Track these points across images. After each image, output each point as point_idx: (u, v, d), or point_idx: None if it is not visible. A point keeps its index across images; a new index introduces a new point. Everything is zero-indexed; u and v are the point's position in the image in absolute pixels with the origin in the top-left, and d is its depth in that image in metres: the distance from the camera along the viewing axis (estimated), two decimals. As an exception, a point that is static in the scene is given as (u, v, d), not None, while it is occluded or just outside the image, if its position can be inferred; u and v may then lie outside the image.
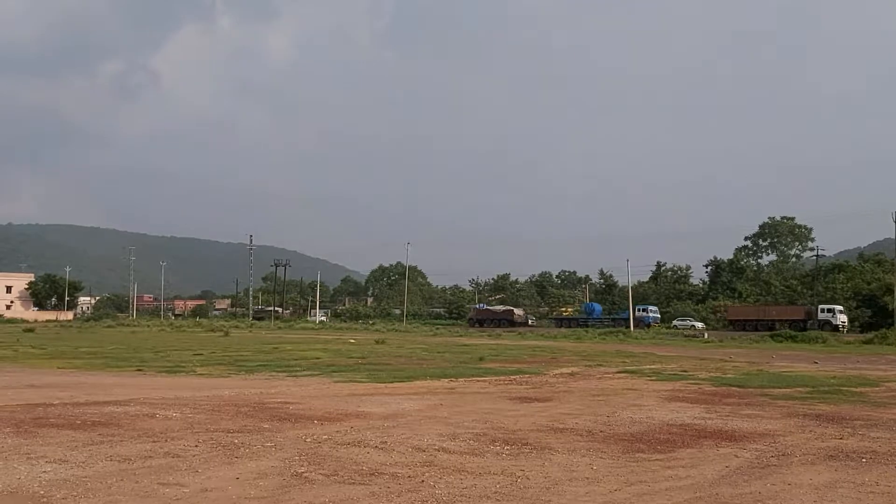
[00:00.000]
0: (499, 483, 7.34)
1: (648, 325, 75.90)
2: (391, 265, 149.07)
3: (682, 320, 79.35)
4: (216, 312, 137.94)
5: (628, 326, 72.56)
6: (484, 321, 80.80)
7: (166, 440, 9.34)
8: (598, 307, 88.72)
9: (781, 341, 51.60)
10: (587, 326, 74.98)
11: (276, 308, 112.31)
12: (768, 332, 59.67)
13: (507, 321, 79.24)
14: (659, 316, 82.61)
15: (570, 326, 77.56)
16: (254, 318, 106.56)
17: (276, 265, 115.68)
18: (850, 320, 79.72)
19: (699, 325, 75.93)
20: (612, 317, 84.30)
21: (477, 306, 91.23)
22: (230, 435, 9.79)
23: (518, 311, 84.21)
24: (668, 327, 75.63)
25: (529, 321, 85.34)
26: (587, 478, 7.69)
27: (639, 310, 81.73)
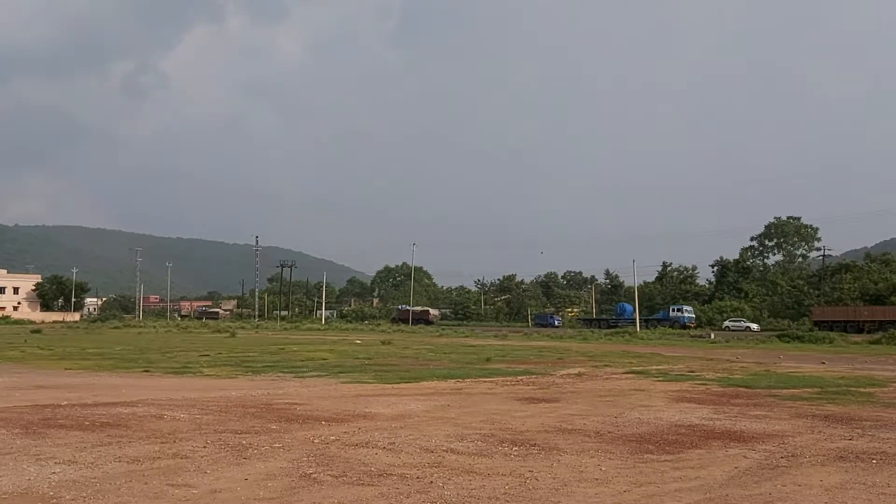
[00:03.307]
0: (508, 484, 7.32)
1: (684, 326, 73.58)
2: (397, 266, 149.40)
3: (734, 321, 76.24)
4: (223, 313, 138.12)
5: (664, 327, 71.75)
6: (405, 320, 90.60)
7: (174, 441, 9.35)
8: (629, 307, 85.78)
9: (788, 341, 51.34)
10: (618, 327, 73.02)
11: (282, 310, 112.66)
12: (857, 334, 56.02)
13: (423, 320, 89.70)
14: (694, 316, 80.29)
15: (600, 327, 76.05)
16: (198, 317, 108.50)
17: (283, 266, 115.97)
18: (858, 320, 79.25)
19: (754, 326, 72.82)
20: (643, 317, 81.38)
21: (399, 307, 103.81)
22: (238, 436, 9.80)
23: (433, 311, 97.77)
24: (721, 329, 72.56)
25: (556, 322, 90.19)
26: (596, 479, 7.66)
27: (673, 310, 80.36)
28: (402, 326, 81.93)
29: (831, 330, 62.77)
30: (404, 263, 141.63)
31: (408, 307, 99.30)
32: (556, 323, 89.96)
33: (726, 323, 76.61)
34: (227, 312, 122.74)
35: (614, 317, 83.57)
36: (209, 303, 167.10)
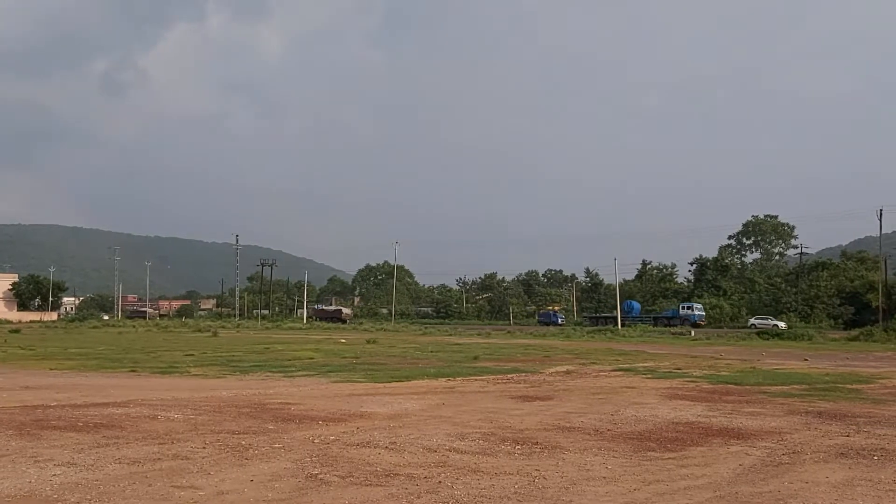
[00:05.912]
0: (517, 483, 7.28)
1: (694, 324, 72.37)
2: (378, 265, 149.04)
3: (760, 319, 74.14)
4: (201, 313, 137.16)
5: (674, 325, 71.32)
6: (320, 318, 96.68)
7: (172, 442, 9.21)
8: (636, 305, 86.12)
9: (768, 339, 52.08)
10: (625, 326, 71.48)
11: (263, 309, 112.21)
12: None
13: (337, 318, 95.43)
14: (704, 314, 78.88)
15: (606, 324, 75.26)
16: (129, 316, 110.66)
17: (263, 265, 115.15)
18: (834, 318, 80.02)
19: (782, 324, 68.55)
20: (653, 315, 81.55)
21: (316, 307, 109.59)
22: (236, 436, 9.67)
23: (346, 310, 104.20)
24: (747, 326, 70.95)
25: (559, 320, 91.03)
26: (604, 477, 7.65)
27: (684, 307, 79.33)
28: (385, 325, 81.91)
29: None
30: (386, 262, 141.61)
31: (324, 307, 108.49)
32: (560, 321, 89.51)
33: (752, 321, 74.44)
34: (156, 311, 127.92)
35: (622, 314, 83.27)
36: (188, 302, 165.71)
